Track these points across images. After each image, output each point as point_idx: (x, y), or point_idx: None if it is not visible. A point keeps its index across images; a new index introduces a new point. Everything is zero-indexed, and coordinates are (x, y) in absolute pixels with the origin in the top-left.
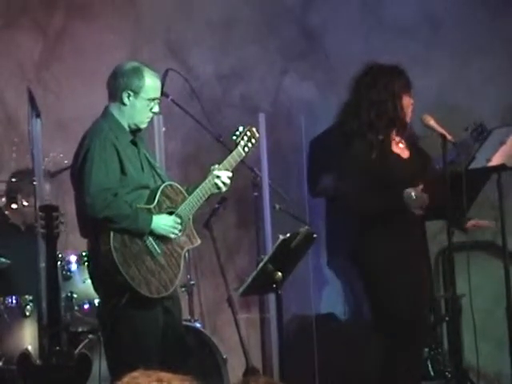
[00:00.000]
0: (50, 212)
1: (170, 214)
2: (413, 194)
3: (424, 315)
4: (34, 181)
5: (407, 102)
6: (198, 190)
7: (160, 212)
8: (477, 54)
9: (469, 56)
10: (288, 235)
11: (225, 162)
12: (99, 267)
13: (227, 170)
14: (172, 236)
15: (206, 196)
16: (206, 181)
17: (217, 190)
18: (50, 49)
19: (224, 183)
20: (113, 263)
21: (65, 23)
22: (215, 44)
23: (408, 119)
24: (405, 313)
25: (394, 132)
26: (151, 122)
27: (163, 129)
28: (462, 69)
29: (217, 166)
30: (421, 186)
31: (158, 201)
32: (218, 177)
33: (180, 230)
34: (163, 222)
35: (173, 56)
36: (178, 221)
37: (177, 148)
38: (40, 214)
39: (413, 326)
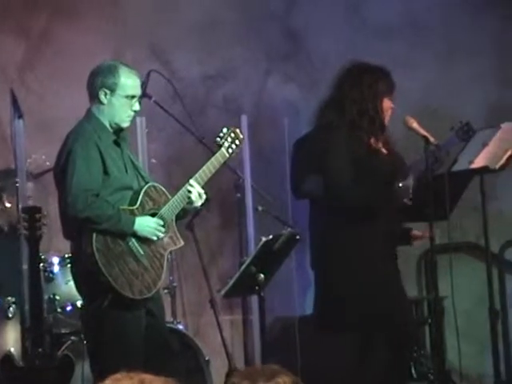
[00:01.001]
0: (32, 213)
1: (153, 215)
2: (400, 184)
3: (404, 316)
4: (17, 182)
5: (387, 105)
6: (178, 193)
7: (143, 213)
8: (460, 54)
9: (452, 57)
10: (271, 237)
11: (208, 163)
12: (82, 268)
13: (211, 171)
14: (154, 238)
15: (186, 201)
16: (184, 188)
17: (189, 200)
18: (34, 50)
19: (198, 195)
20: (95, 264)
21: (48, 25)
22: (199, 45)
23: (386, 122)
24: (380, 314)
25: (374, 132)
26: (134, 123)
27: (146, 130)
28: (446, 70)
29: (197, 174)
30: (411, 179)
31: (141, 202)
32: (190, 185)
33: (163, 232)
34: (146, 224)
35: (156, 58)
36: (161, 223)
37: (160, 149)
38: (23, 215)
39: (389, 327)
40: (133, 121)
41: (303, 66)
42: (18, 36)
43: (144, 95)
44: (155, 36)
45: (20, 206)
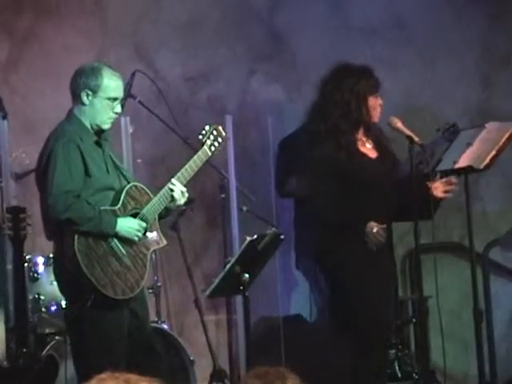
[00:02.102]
0: (17, 214)
1: (136, 214)
2: (374, 229)
3: (388, 316)
4: (1, 182)
5: (373, 103)
6: (160, 192)
7: (125, 213)
8: (444, 54)
9: (436, 57)
10: (255, 237)
11: (190, 162)
12: (64, 269)
13: (193, 170)
14: (136, 239)
15: (169, 199)
16: (166, 187)
17: (172, 199)
18: (17, 51)
19: (180, 193)
20: (77, 265)
21: (32, 25)
22: (182, 46)
23: (375, 120)
24: (369, 314)
25: (360, 133)
26: (118, 124)
27: (130, 130)
28: (430, 70)
29: (179, 173)
30: (384, 226)
31: (123, 202)
32: (172, 184)
33: (144, 233)
34: (128, 225)
35: (140, 58)
36: (143, 224)
37: (144, 149)
38: (7, 215)
39: (376, 328)
40: (117, 121)
41: (287, 66)
42: (1, 36)
43: (128, 95)
44: (139, 36)
45: (4, 206)
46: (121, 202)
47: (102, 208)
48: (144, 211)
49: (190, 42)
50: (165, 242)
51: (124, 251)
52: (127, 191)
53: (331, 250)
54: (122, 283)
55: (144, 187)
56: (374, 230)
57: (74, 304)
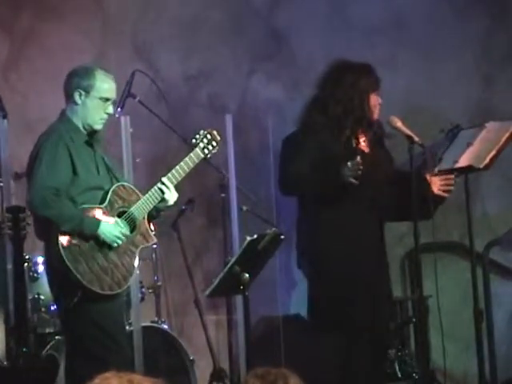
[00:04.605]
0: (16, 213)
1: (123, 213)
2: (349, 163)
3: (380, 313)
4: (1, 182)
5: (374, 100)
6: (149, 192)
7: (112, 211)
8: (444, 54)
9: (436, 56)
10: (255, 236)
11: (182, 163)
12: (51, 266)
13: (184, 171)
14: (114, 245)
15: (159, 199)
16: (155, 187)
17: (162, 197)
18: (17, 50)
19: (170, 193)
20: (62, 261)
21: (32, 24)
22: (182, 45)
23: (375, 118)
24: (359, 311)
25: (360, 130)
26: (118, 123)
27: (130, 129)
28: (430, 69)
29: (169, 174)
30: (358, 157)
31: (110, 200)
32: (162, 184)
33: (132, 231)
34: (109, 230)
35: (140, 57)
36: (128, 234)
37: (144, 148)
38: (7, 215)
39: (358, 326)
40: (117, 121)
41: (287, 66)
42: (1, 35)
43: (128, 95)
44: (139, 35)
45: (4, 206)
46: (107, 200)
47: (86, 206)
48: (132, 209)
49: (190, 41)
50: (154, 240)
51: (111, 248)
52: (114, 190)
53: (327, 248)
54: (109, 279)
55: (132, 187)
56: (349, 165)
57: (62, 301)
